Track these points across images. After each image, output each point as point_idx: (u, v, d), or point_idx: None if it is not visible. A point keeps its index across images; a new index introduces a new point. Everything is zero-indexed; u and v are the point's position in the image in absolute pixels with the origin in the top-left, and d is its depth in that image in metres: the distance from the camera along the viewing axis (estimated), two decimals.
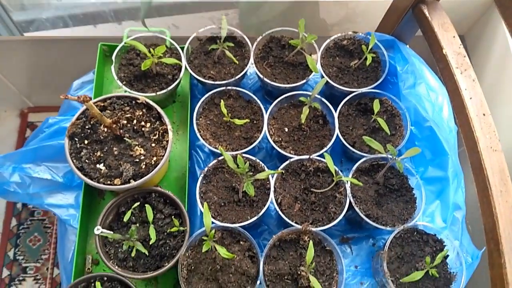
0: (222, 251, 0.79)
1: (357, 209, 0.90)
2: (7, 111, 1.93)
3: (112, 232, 0.82)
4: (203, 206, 0.85)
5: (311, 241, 0.83)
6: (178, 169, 1.06)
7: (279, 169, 0.93)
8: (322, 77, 1.05)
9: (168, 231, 0.88)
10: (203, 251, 0.79)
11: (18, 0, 1.02)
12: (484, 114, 0.87)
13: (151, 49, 0.97)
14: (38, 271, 1.74)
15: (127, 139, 0.89)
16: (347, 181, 0.92)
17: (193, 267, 0.85)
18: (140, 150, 0.90)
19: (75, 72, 1.14)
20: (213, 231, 0.80)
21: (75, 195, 1.03)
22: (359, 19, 1.37)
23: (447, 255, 0.90)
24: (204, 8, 1.11)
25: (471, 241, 1.02)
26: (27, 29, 1.00)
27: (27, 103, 1.91)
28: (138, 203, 0.89)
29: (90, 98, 0.75)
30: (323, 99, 1.02)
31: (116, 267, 0.85)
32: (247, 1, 1.18)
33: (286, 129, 1.01)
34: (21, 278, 1.73)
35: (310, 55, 1.05)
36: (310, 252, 0.81)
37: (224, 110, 0.96)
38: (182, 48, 1.05)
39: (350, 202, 0.91)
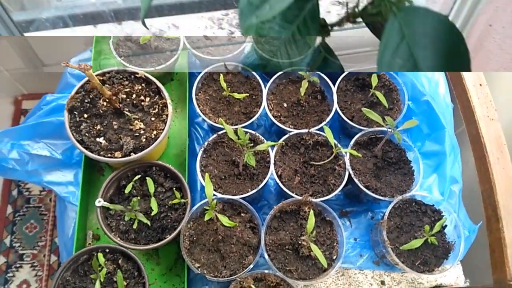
0: (224, 220, 0.79)
1: (356, 180, 0.91)
2: (0, 98, 1.92)
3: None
4: (204, 179, 0.85)
5: (311, 210, 0.84)
6: (177, 147, 1.07)
7: (280, 141, 0.94)
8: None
9: (169, 203, 0.88)
10: (205, 219, 0.79)
11: (18, 0, 1.03)
12: (480, 85, 0.88)
13: None
14: (35, 258, 1.74)
15: (126, 113, 0.89)
16: (346, 154, 0.93)
17: (195, 238, 0.85)
18: (140, 124, 0.90)
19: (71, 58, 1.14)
20: (214, 201, 0.81)
21: (74, 173, 1.03)
22: None
23: (445, 225, 0.91)
24: (204, 8, 1.12)
25: (468, 216, 1.04)
26: (27, 29, 1.00)
27: (21, 90, 1.89)
28: (139, 176, 0.89)
29: (91, 67, 0.75)
30: (322, 74, 1.02)
31: (118, 239, 0.85)
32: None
33: (285, 104, 1.02)
34: (18, 265, 1.72)
35: None
36: (311, 221, 0.82)
37: (224, 84, 0.96)
38: None
39: (349, 175, 0.92)
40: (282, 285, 0.83)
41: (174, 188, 0.90)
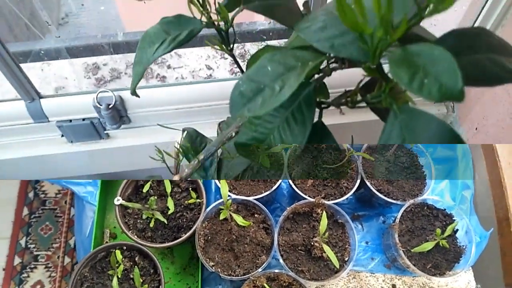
0: (239, 219, 0.81)
1: (368, 184, 0.92)
2: None
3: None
4: (219, 181, 0.87)
5: (324, 212, 0.86)
6: None
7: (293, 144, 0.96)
8: None
9: (185, 203, 0.90)
10: (220, 218, 0.81)
11: (46, 16, 1.06)
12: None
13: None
14: (50, 259, 1.77)
15: None
16: (359, 157, 0.95)
17: (209, 237, 0.87)
18: None
19: None
20: (229, 201, 0.83)
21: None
22: None
23: (457, 230, 0.92)
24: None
25: (479, 222, 1.04)
26: (24, 61, 1.03)
27: None
28: None
29: None
30: None
31: (135, 237, 0.87)
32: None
33: None
34: (32, 266, 1.76)
35: None
36: (324, 222, 0.84)
37: None
38: None
39: (361, 178, 0.93)
40: (295, 285, 0.84)
41: (190, 189, 0.93)
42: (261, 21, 1.14)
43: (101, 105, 0.85)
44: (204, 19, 0.41)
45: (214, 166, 0.59)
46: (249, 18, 1.10)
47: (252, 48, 1.15)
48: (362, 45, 0.29)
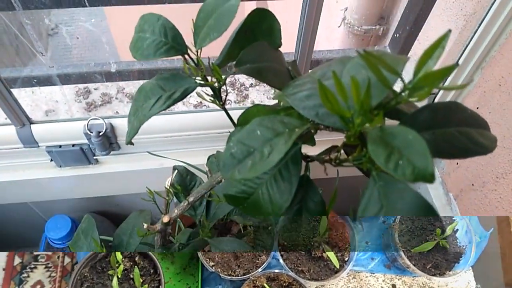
0: (239, 220, 0.82)
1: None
2: None
3: None
4: None
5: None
6: None
7: None
8: None
9: None
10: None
11: (36, 27, 1.04)
12: None
13: None
14: (50, 259, 1.76)
15: None
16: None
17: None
18: None
19: None
20: None
21: None
22: None
23: (457, 230, 0.92)
24: None
25: (479, 222, 1.04)
26: (14, 86, 1.03)
27: None
28: None
29: None
30: None
31: None
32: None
33: None
34: (32, 266, 1.75)
35: None
36: (323, 223, 0.84)
37: None
38: None
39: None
40: (294, 285, 0.85)
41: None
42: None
43: (91, 132, 0.86)
44: (198, 77, 0.42)
45: (203, 206, 0.59)
46: None
47: (241, 77, 1.16)
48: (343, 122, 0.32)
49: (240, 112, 0.91)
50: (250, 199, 0.37)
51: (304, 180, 0.38)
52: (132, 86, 1.12)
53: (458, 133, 0.32)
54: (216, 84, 0.41)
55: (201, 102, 1.08)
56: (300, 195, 0.39)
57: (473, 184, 0.87)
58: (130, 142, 0.41)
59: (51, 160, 0.94)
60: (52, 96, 1.09)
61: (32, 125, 0.88)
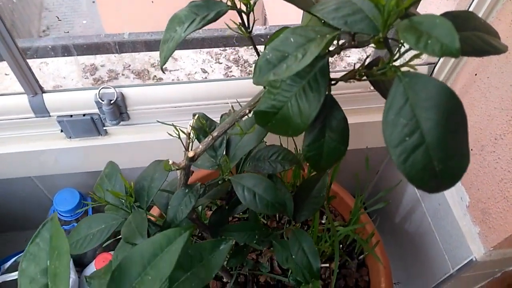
0: None
1: None
2: None
3: None
4: None
5: None
6: None
7: None
8: None
9: None
10: None
11: (26, 28, 1.07)
12: None
13: None
14: None
15: None
16: None
17: None
18: None
19: None
20: None
21: None
22: None
23: None
24: (204, 45, 1.16)
25: None
26: (32, 56, 1.05)
27: None
28: None
29: None
30: None
31: None
32: None
33: None
34: None
35: None
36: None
37: None
38: None
39: None
40: None
41: None
42: (258, 27, 1.19)
43: (103, 100, 0.88)
44: (229, 2, 0.45)
45: (223, 147, 0.61)
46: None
47: (245, 54, 1.19)
48: (374, 17, 0.35)
49: (247, 81, 0.94)
50: (279, 113, 0.39)
51: (328, 100, 0.40)
52: (138, 63, 1.14)
53: (474, 36, 0.36)
54: (245, 9, 0.44)
55: (206, 77, 1.10)
56: (323, 114, 0.41)
57: (472, 149, 0.90)
58: (163, 67, 0.43)
59: (61, 131, 0.95)
60: (60, 72, 1.11)
61: (44, 94, 0.89)
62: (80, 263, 1.12)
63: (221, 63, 1.14)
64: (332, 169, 0.79)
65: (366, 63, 0.41)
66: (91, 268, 1.05)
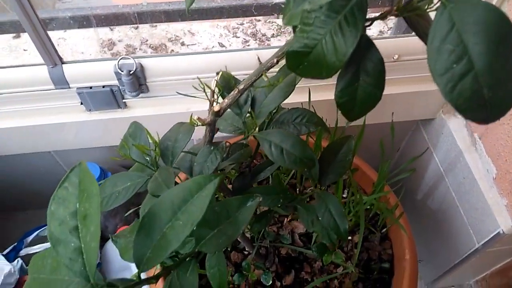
0: None
1: None
2: None
3: None
4: None
5: None
6: None
7: None
8: None
9: None
10: None
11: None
12: None
13: None
14: None
15: None
16: None
17: None
18: None
19: None
20: None
21: None
22: None
23: None
24: (221, 15, 1.14)
25: None
26: (52, 28, 1.05)
27: None
28: None
29: None
30: None
31: None
32: None
33: None
34: None
35: None
36: None
37: None
38: None
39: None
40: None
41: None
42: None
43: (122, 71, 0.87)
44: None
45: (248, 104, 0.60)
46: None
47: (263, 27, 1.17)
48: None
49: (266, 51, 0.92)
50: (313, 52, 0.37)
51: (363, 40, 0.39)
52: (156, 38, 1.13)
53: None
54: None
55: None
56: (358, 56, 0.39)
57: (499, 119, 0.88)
58: (188, 11, 0.42)
59: (81, 103, 0.95)
60: (78, 48, 1.11)
61: (63, 65, 0.89)
62: (102, 237, 1.12)
63: (238, 37, 1.13)
64: (356, 137, 0.77)
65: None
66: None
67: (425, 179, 1.17)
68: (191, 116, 0.49)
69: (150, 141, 0.54)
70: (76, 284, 0.39)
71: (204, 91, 0.50)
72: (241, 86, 0.49)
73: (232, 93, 0.50)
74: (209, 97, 0.51)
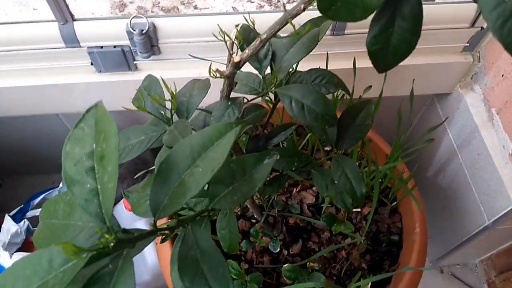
0: None
1: None
2: None
3: None
4: None
5: None
6: None
7: None
8: None
9: None
10: None
11: None
12: None
13: None
14: None
15: None
16: None
17: None
18: None
19: None
20: None
21: None
22: None
23: None
24: None
25: None
26: None
27: None
28: None
29: None
30: None
31: None
32: None
33: None
34: None
35: None
36: None
37: None
38: None
39: None
40: None
41: None
42: None
43: (134, 30, 0.85)
44: None
45: (268, 59, 0.57)
46: None
47: None
48: None
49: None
50: None
51: None
52: (168, 0, 1.10)
53: None
54: None
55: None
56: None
57: None
58: None
59: (91, 64, 0.93)
60: (87, 8, 1.07)
61: (74, 22, 0.86)
62: None
63: (253, 1, 1.09)
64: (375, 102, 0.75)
65: None
66: (120, 207, 1.05)
67: (436, 156, 1.15)
68: (210, 66, 0.47)
69: (166, 92, 0.52)
70: (90, 228, 0.38)
71: (224, 40, 0.48)
72: (263, 36, 0.47)
73: (253, 43, 0.47)
74: (228, 48, 0.49)
